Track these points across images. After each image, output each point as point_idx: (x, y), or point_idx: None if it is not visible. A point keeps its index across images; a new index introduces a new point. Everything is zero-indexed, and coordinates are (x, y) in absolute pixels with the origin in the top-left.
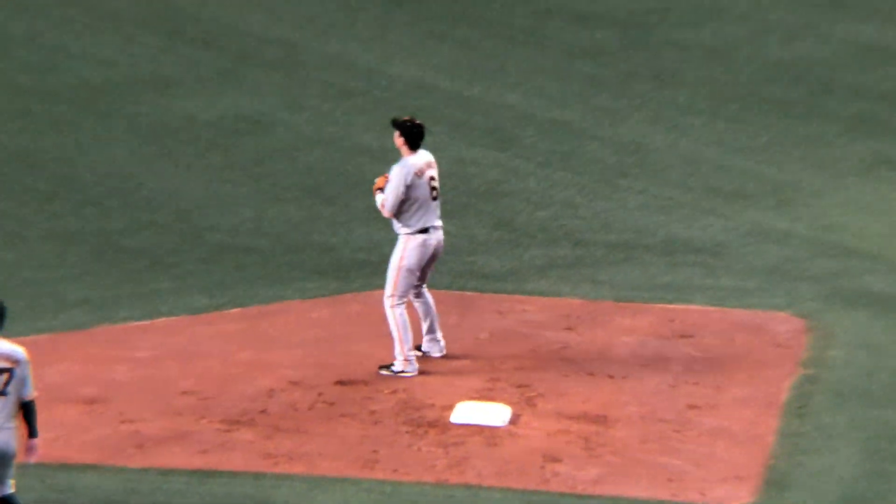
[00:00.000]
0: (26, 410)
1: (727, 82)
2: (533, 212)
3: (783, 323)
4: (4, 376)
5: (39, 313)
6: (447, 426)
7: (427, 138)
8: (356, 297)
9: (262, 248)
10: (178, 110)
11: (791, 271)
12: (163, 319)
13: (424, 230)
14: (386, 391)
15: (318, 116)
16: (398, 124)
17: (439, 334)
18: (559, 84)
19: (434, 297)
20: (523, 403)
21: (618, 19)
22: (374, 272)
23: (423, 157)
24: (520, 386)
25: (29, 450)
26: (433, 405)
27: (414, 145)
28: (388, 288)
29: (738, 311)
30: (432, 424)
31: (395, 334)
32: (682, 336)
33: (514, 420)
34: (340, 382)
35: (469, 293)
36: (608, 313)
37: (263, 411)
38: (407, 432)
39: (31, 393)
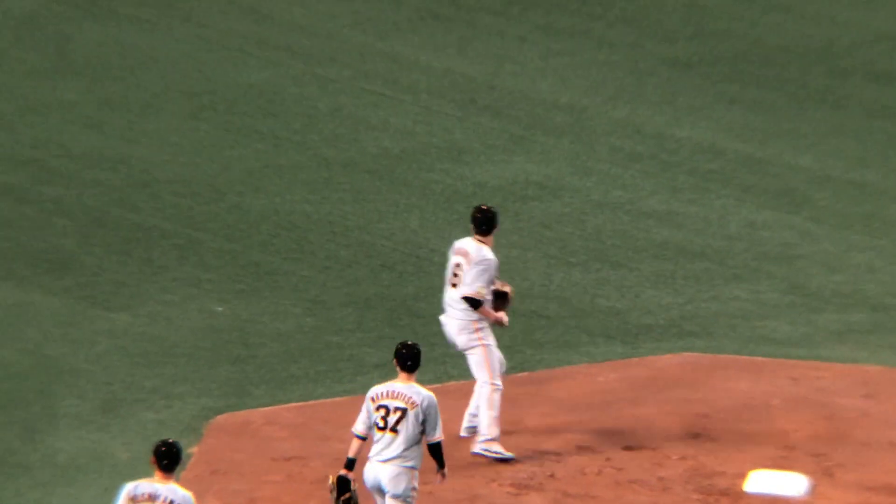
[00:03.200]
0: (432, 450)
1: None
2: (828, 275)
3: None
4: (398, 414)
5: (340, 376)
6: (740, 495)
7: (716, 201)
8: (643, 362)
9: (549, 312)
10: (470, 177)
11: None
12: (453, 383)
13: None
14: (675, 457)
15: (605, 180)
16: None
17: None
18: (857, 144)
19: (723, 361)
20: (821, 473)
21: None
22: (662, 336)
23: (461, 241)
24: (816, 455)
25: (438, 473)
26: (724, 473)
27: (480, 231)
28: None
29: None
30: (724, 493)
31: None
32: None
33: (811, 490)
34: (628, 448)
35: (760, 358)
36: None
37: (552, 475)
38: (697, 500)
39: (436, 436)
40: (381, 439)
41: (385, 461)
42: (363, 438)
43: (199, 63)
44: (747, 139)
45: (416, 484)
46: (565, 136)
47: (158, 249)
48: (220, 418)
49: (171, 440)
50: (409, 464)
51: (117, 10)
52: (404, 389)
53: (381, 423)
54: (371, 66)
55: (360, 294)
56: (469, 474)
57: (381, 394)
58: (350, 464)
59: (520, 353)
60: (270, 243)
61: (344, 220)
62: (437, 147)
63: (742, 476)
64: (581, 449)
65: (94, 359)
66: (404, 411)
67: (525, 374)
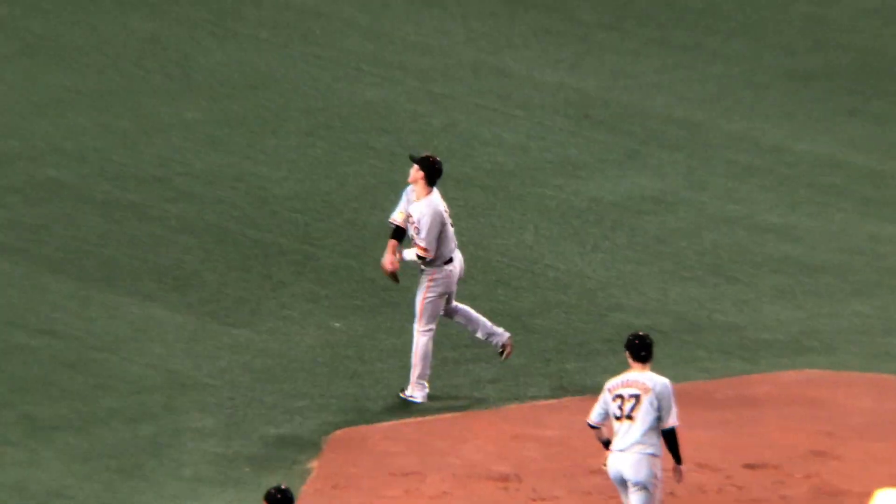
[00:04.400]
0: (667, 438)
1: None
2: None
3: None
4: (633, 401)
5: (456, 391)
6: None
7: (836, 215)
8: (763, 378)
9: (665, 327)
10: (585, 192)
11: None
12: (569, 398)
13: (450, 260)
14: (798, 475)
15: (721, 194)
16: (420, 160)
17: (493, 330)
18: None
19: (847, 378)
20: None
21: None
22: (782, 352)
23: (439, 195)
24: None
25: (675, 472)
26: (850, 491)
27: (432, 182)
28: (417, 319)
29: None
30: None
31: (412, 360)
32: None
33: None
34: (749, 466)
35: (885, 375)
36: None
37: (671, 493)
38: None
39: (670, 421)
40: (620, 429)
41: (624, 450)
42: (597, 428)
43: (315, 81)
44: (869, 152)
45: (658, 472)
46: (680, 151)
47: (276, 265)
48: (339, 433)
49: (284, 486)
50: (650, 451)
51: (238, 30)
52: (638, 377)
53: (618, 413)
54: (484, 83)
55: (475, 309)
56: (586, 491)
57: (617, 384)
58: (607, 444)
59: None
60: None
61: (459, 236)
62: (550, 162)
63: (868, 495)
64: (701, 467)
65: (217, 374)
66: (638, 397)
67: None
